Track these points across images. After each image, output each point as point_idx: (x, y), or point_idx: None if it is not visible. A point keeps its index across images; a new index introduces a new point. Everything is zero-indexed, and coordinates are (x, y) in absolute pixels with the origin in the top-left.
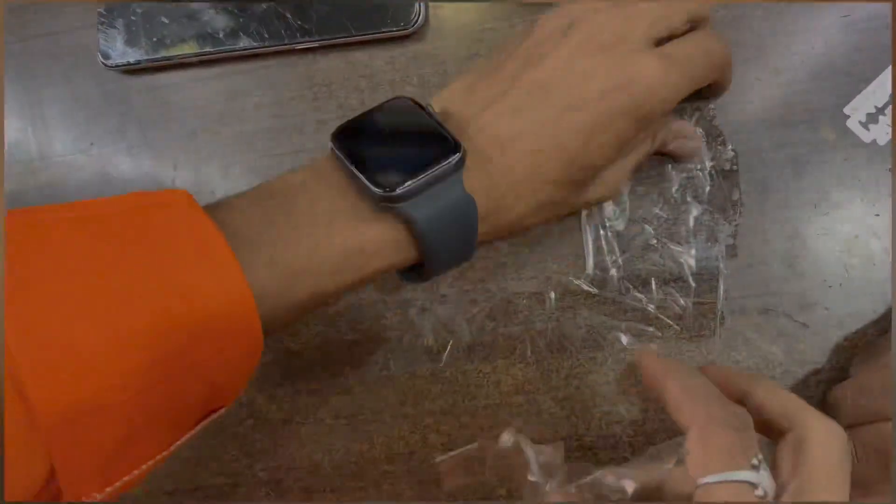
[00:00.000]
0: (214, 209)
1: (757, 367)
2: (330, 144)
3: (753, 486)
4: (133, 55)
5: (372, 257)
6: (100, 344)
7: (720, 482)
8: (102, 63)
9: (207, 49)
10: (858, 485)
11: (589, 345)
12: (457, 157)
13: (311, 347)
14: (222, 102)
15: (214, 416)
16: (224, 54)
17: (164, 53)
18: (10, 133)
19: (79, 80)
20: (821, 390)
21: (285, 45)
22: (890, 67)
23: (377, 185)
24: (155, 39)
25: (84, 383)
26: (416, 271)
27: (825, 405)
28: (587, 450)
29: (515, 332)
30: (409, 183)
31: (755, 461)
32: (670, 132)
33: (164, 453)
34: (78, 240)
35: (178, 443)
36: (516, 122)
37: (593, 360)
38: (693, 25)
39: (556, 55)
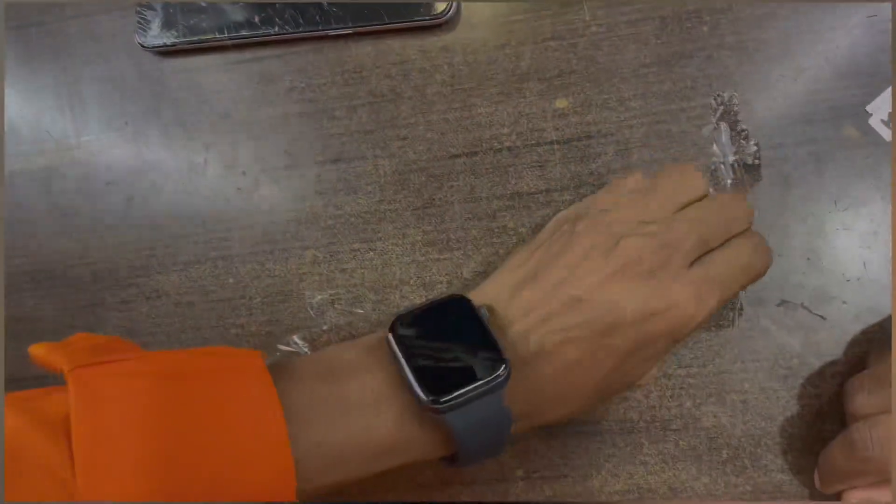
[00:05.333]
0: (279, 375)
1: (774, 358)
2: (387, 336)
3: None
4: (169, 37)
5: (409, 451)
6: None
7: None
8: (139, 44)
9: (243, 33)
10: (875, 474)
11: None
12: (502, 375)
13: (335, 326)
14: (255, 86)
15: None
16: (258, 38)
17: (199, 36)
18: (48, 111)
19: (115, 60)
20: (836, 382)
21: (319, 31)
22: None
23: (424, 390)
24: (192, 22)
25: None
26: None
27: (841, 396)
28: (604, 434)
29: None
30: (454, 395)
31: None
32: None
33: None
34: (156, 399)
35: None
36: (556, 334)
37: None
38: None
39: (596, 277)
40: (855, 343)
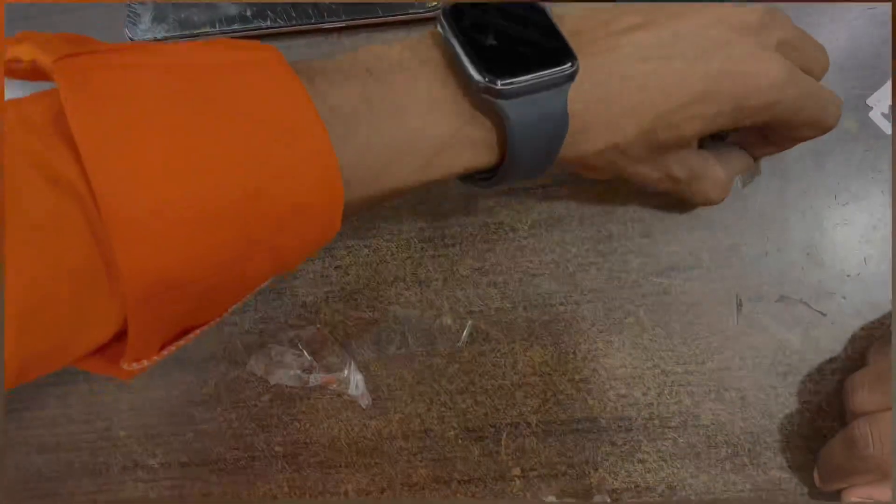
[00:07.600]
0: (307, 74)
1: (773, 355)
2: (438, 22)
3: None
4: (160, 31)
5: (461, 156)
6: (192, 217)
7: None
8: (129, 39)
9: (235, 27)
10: (875, 472)
11: (607, 328)
12: (570, 68)
13: (329, 324)
14: None
15: (267, 281)
16: (251, 32)
17: (191, 30)
18: None
19: None
20: (836, 379)
21: (312, 24)
22: None
23: (481, 72)
24: (183, 16)
25: (173, 257)
26: (485, 176)
27: (841, 392)
28: (602, 431)
29: (533, 315)
30: (515, 79)
31: None
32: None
33: (218, 319)
34: (170, 92)
35: (231, 309)
36: (634, 56)
37: (610, 344)
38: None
39: (698, 14)
40: (855, 339)
